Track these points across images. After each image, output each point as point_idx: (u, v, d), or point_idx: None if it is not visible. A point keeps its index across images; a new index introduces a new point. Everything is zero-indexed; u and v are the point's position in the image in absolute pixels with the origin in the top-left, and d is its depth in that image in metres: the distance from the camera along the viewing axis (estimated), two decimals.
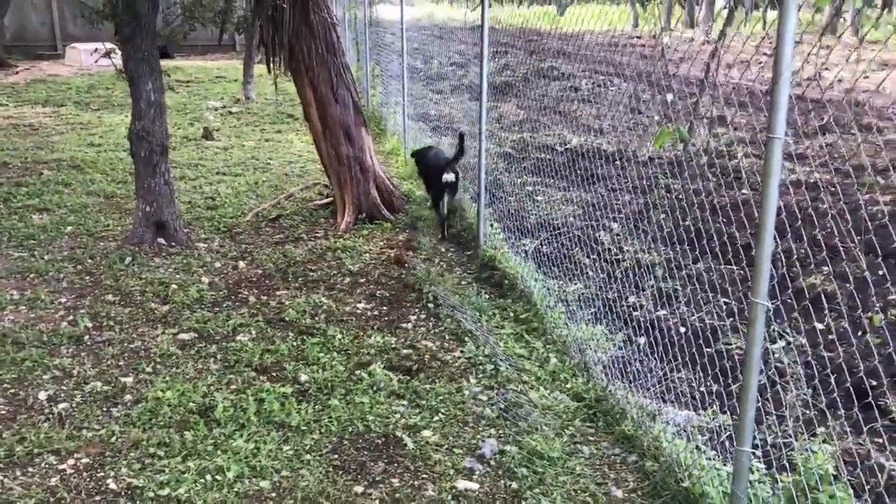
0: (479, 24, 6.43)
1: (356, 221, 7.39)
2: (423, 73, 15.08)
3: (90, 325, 5.11)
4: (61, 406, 4.13)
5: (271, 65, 7.21)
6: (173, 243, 6.58)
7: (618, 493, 3.53)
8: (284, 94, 14.87)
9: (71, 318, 5.21)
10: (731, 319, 5.11)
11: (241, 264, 6.37)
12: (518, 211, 7.54)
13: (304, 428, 3.98)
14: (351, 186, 7.42)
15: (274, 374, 4.53)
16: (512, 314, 5.47)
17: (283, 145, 11.22)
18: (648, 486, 3.56)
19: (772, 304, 2.83)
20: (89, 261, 6.24)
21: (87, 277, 5.93)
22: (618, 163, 9.35)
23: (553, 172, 9.19)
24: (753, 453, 3.04)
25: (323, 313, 5.40)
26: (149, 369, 4.54)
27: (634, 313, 5.29)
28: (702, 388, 4.34)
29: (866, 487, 3.15)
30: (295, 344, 4.92)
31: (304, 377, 4.48)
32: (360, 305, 5.62)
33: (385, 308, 5.59)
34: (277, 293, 5.78)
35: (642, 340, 4.92)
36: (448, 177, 7.20)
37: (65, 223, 7.17)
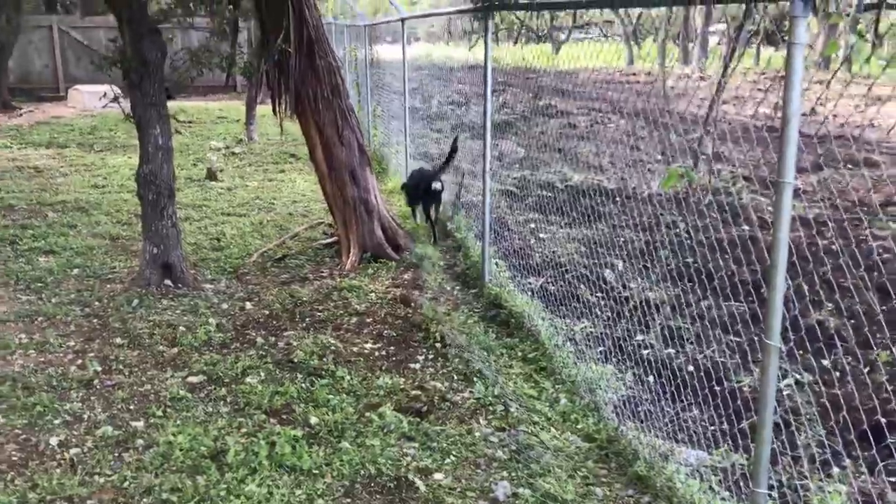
0: (479, 63, 6.53)
1: (361, 261, 7.43)
2: (423, 112, 15.23)
3: (99, 368, 5.11)
4: (73, 451, 4.12)
5: (277, 108, 7.31)
6: (180, 285, 6.61)
7: None
8: (286, 134, 15.01)
9: (80, 361, 5.21)
10: (741, 358, 5.13)
11: (248, 305, 6.39)
12: (522, 248, 7.58)
13: (316, 471, 3.97)
14: (356, 226, 7.47)
15: (284, 417, 4.53)
16: (520, 353, 5.48)
17: (286, 185, 11.29)
18: None
19: (784, 346, 2.85)
20: (97, 303, 6.26)
21: (95, 320, 5.94)
22: (619, 200, 9.43)
23: (555, 209, 9.26)
24: (769, 495, 3.04)
25: (331, 354, 5.41)
26: (159, 413, 4.53)
27: (643, 352, 5.30)
28: (713, 428, 4.34)
29: None
30: (304, 386, 4.92)
31: (314, 420, 4.47)
32: (368, 346, 5.63)
33: (392, 348, 5.60)
34: (285, 334, 5.80)
35: (652, 379, 4.93)
36: (436, 185, 8.23)
37: (71, 265, 7.20)
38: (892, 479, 3.83)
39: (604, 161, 12.03)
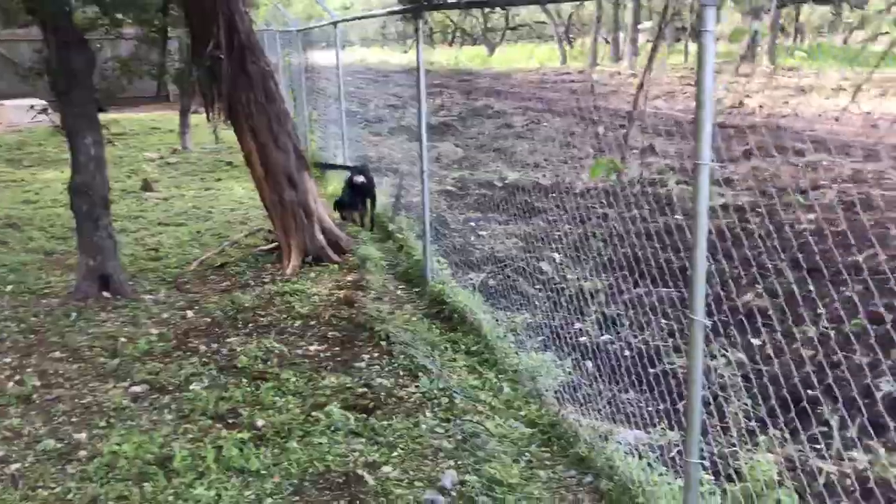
0: (414, 66, 6.62)
1: (303, 265, 7.44)
2: (360, 116, 15.26)
3: (38, 383, 5.03)
4: (13, 467, 4.06)
5: (210, 115, 7.28)
6: (119, 296, 6.53)
7: None
8: (221, 142, 14.88)
9: (17, 377, 5.12)
10: (672, 339, 5.31)
11: (189, 313, 6.34)
12: (463, 246, 7.70)
13: (264, 472, 3.99)
14: (296, 231, 7.48)
15: (230, 421, 4.53)
16: (463, 347, 5.58)
17: (223, 193, 11.20)
18: None
19: (709, 321, 3.00)
20: (33, 319, 6.15)
21: (32, 336, 5.83)
22: (555, 195, 9.62)
23: (494, 207, 9.43)
24: (702, 465, 3.19)
25: (275, 357, 5.42)
26: (102, 424, 4.49)
27: (581, 339, 5.46)
28: (649, 407, 4.50)
29: (808, 490, 3.33)
30: (249, 390, 4.92)
31: (260, 422, 4.49)
32: (313, 348, 5.65)
33: (338, 349, 5.64)
34: (228, 340, 5.78)
35: (590, 365, 5.08)
36: (357, 178, 8.64)
37: (4, 282, 7.04)
38: (817, 446, 4.04)
39: (539, 158, 12.24)
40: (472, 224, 8.85)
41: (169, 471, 3.98)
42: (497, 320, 5.79)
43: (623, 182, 8.23)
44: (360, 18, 13.74)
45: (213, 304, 6.52)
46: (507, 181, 10.84)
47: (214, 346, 5.68)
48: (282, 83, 14.87)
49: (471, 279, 6.76)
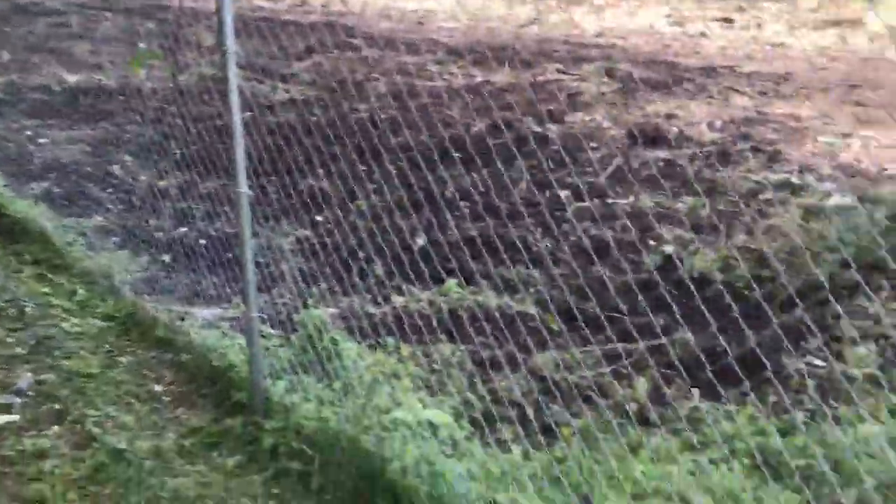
0: None
1: None
2: None
3: None
4: None
5: None
6: None
7: (158, 388, 3.92)
8: None
9: None
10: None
11: None
12: (20, 155, 7.21)
13: None
14: None
15: None
16: (29, 257, 5.36)
17: None
18: (185, 375, 4.00)
19: (251, 191, 3.40)
20: None
21: None
22: (122, 97, 9.31)
23: (55, 113, 8.88)
24: (261, 318, 3.66)
25: None
26: None
27: (157, 234, 5.59)
28: (227, 289, 4.86)
29: (358, 330, 4.00)
30: None
31: None
32: None
33: None
34: None
35: (167, 257, 5.29)
36: None
37: None
38: (369, 296, 4.78)
39: (103, 59, 11.56)
40: (30, 133, 8.21)
41: None
42: (66, 227, 5.64)
43: (188, 81, 8.28)
44: None
45: None
46: (66, 85, 10.13)
47: None
48: None
49: (32, 189, 6.40)
